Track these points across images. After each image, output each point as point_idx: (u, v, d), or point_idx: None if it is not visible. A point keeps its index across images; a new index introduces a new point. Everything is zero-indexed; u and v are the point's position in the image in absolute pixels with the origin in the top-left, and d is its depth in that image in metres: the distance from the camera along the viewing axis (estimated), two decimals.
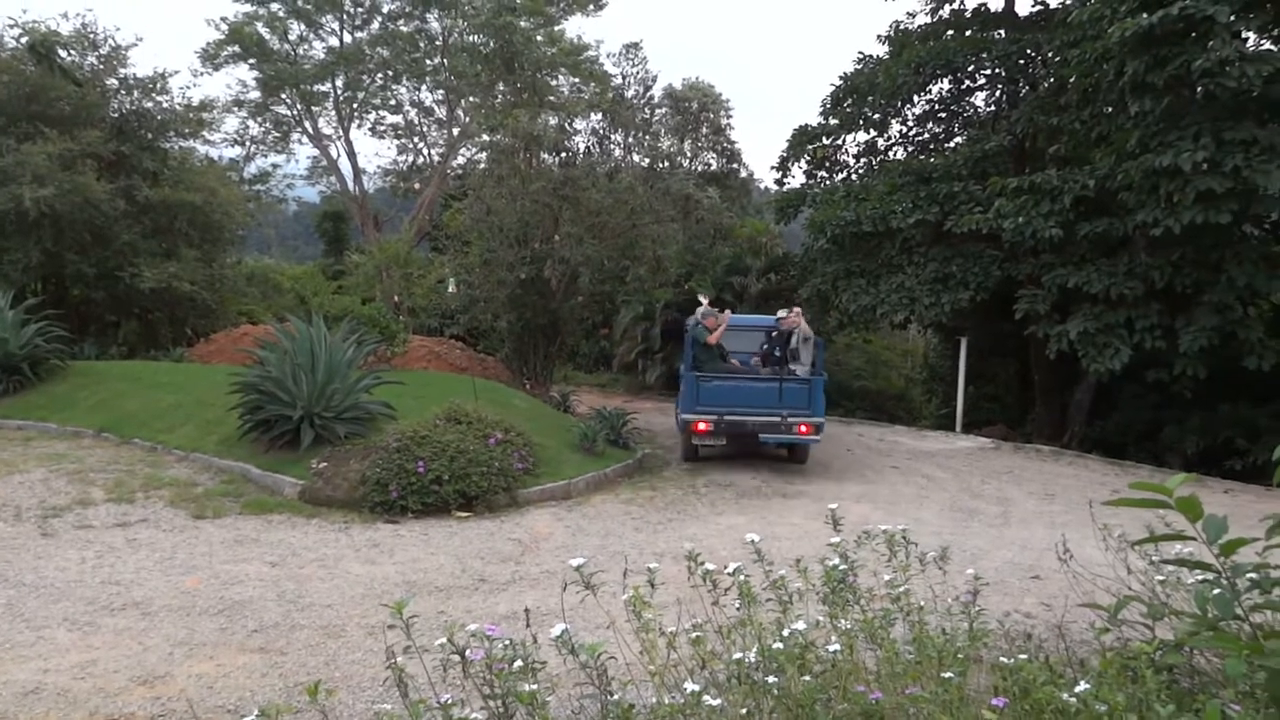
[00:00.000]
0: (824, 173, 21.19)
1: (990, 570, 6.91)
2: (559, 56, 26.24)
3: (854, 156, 20.99)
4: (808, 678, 2.55)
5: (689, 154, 20.99)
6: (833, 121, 20.29)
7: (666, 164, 17.23)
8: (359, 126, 29.78)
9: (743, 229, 22.16)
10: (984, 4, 18.99)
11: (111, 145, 17.24)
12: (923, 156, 19.89)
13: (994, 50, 17.57)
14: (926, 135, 20.35)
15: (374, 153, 62.37)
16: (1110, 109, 14.40)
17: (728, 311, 12.95)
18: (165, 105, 19.46)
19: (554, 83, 24.99)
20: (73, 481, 8.96)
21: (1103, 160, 14.58)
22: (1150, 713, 2.24)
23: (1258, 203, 11.98)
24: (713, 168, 22.15)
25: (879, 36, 20.28)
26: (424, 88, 29.47)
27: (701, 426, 11.23)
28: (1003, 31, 18.17)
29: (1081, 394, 16.19)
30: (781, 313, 12.80)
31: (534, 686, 2.18)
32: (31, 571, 6.48)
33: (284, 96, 28.38)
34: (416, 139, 30.60)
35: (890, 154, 20.63)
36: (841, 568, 3.12)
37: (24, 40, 17.51)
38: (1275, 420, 13.30)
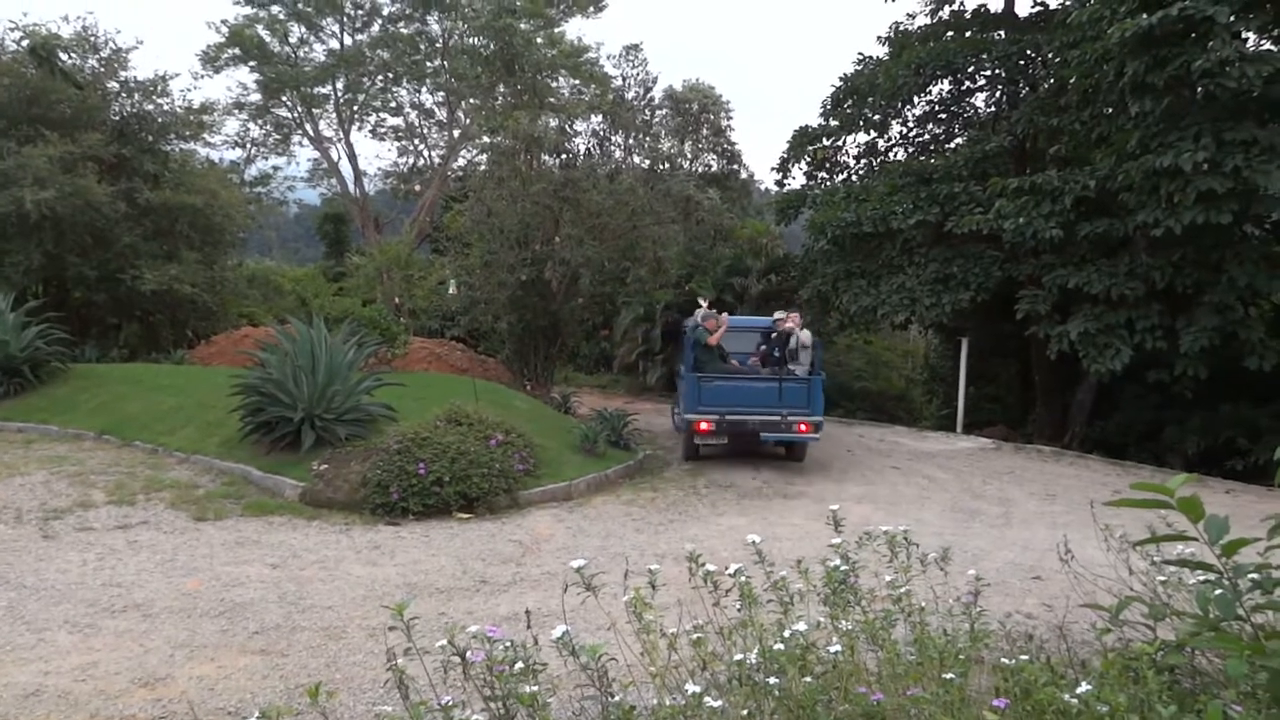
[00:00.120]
0: (824, 174, 21.19)
1: (991, 571, 6.90)
2: (559, 58, 26.27)
3: (854, 157, 21.00)
4: (809, 679, 2.55)
5: (689, 155, 20.95)
6: (833, 122, 20.30)
7: (667, 165, 17.19)
8: (359, 129, 29.85)
9: (743, 230, 22.15)
10: (984, 5, 19.01)
11: (112, 148, 17.25)
12: (923, 157, 19.89)
13: (994, 51, 17.58)
14: (927, 136, 20.35)
15: (374, 155, 62.77)
16: (1110, 110, 14.41)
17: (726, 314, 13.11)
18: (166, 108, 19.49)
19: (554, 84, 25.01)
20: (74, 484, 8.96)
21: (1103, 161, 14.59)
22: (1152, 713, 2.24)
23: (1258, 203, 11.98)
24: (713, 169, 22.11)
25: (879, 37, 20.32)
26: (424, 90, 29.51)
27: (704, 426, 11.39)
28: (1002, 32, 18.18)
29: (1082, 394, 16.19)
30: (779, 314, 13.00)
31: (535, 688, 2.18)
32: (32, 574, 6.49)
33: (284, 99, 28.41)
34: (417, 141, 30.65)
35: (890, 155, 20.64)
36: (843, 569, 3.11)
37: (25, 43, 17.54)
38: (1276, 420, 13.29)
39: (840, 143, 20.74)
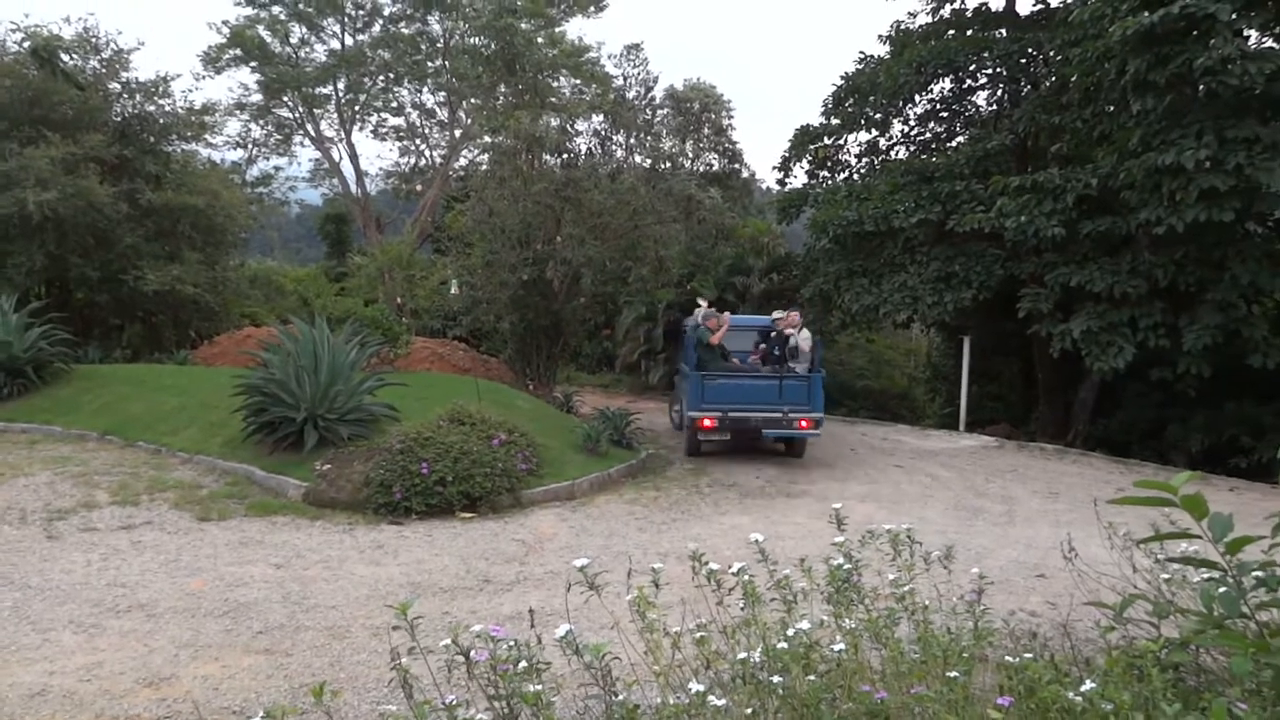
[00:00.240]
0: (826, 172, 21.16)
1: (995, 569, 6.90)
2: (560, 58, 26.27)
3: (856, 156, 20.97)
4: (813, 677, 2.55)
5: (690, 154, 20.96)
6: (834, 121, 20.27)
7: (668, 165, 17.17)
8: (361, 129, 29.89)
9: (745, 229, 22.14)
10: (985, 3, 18.97)
11: (114, 149, 17.26)
12: (924, 156, 19.86)
13: (995, 49, 17.55)
14: (928, 134, 20.33)
15: (376, 155, 62.85)
16: (1112, 107, 14.38)
17: (728, 314, 13.34)
18: (167, 109, 19.49)
19: (555, 84, 25.00)
20: (77, 484, 8.98)
21: (1105, 159, 14.56)
22: (1156, 711, 2.24)
23: (1261, 200, 11.95)
24: (714, 168, 22.12)
25: (880, 36, 20.31)
26: (425, 90, 29.54)
27: (707, 423, 11.71)
28: (1004, 31, 18.14)
29: (1085, 392, 16.17)
30: (778, 314, 13.24)
31: (539, 687, 2.18)
32: (37, 574, 6.50)
33: (286, 99, 28.44)
34: (418, 141, 30.68)
35: (892, 153, 20.61)
36: (846, 567, 3.12)
37: (26, 44, 17.55)
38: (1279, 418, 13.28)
39: (842, 141, 20.72)
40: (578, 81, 26.15)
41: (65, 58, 17.88)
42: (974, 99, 19.59)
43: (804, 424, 11.71)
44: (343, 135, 29.22)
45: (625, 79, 17.73)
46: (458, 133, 28.87)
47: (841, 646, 2.72)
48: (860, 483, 11.19)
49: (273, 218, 31.09)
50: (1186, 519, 2.37)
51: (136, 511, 8.28)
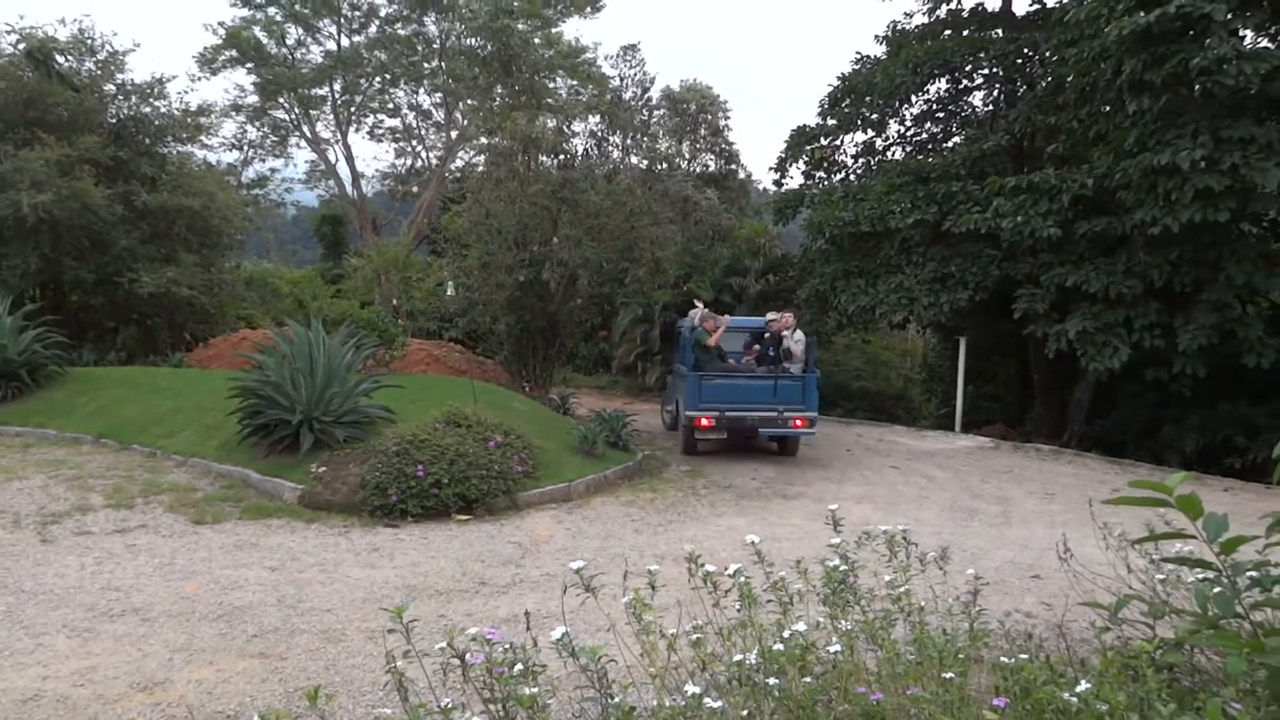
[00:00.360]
0: (822, 173, 21.21)
1: (990, 570, 6.91)
2: (556, 59, 26.27)
3: (852, 157, 21.03)
4: (809, 679, 2.55)
5: (687, 155, 20.99)
6: (831, 122, 20.31)
7: (665, 165, 17.18)
8: (357, 130, 29.93)
9: (741, 230, 22.17)
10: (981, 4, 19.02)
11: (109, 151, 17.23)
12: (921, 156, 19.90)
13: (991, 50, 17.59)
14: (924, 135, 20.37)
15: (372, 156, 62.89)
16: (1108, 108, 14.42)
17: (727, 316, 13.51)
18: (163, 110, 19.46)
19: (552, 85, 25.02)
20: (72, 488, 8.95)
21: (1101, 159, 14.60)
22: (1151, 711, 2.23)
23: (1256, 200, 11.99)
24: (711, 169, 22.16)
25: (876, 37, 20.34)
26: (422, 91, 29.55)
27: (705, 422, 11.94)
28: (1000, 31, 18.19)
29: (1081, 393, 16.19)
30: (771, 315, 13.48)
31: (535, 690, 2.17)
32: (30, 578, 6.47)
33: (281, 101, 28.42)
34: (414, 142, 30.68)
35: (888, 154, 20.66)
36: (842, 568, 3.11)
37: (21, 46, 17.53)
38: (1274, 418, 13.30)
39: (838, 142, 20.78)
40: (574, 82, 26.17)
41: (60, 59, 17.86)
42: (970, 99, 19.65)
43: (799, 423, 12.02)
44: (339, 137, 29.24)
45: (622, 80, 17.76)
46: (454, 134, 28.86)
47: (837, 648, 2.72)
48: (856, 484, 11.20)
49: (268, 219, 31.09)
50: (1181, 519, 2.37)
51: (131, 515, 8.26)
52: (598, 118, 16.69)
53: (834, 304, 17.57)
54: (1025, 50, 17.30)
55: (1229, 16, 11.67)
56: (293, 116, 28.95)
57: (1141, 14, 12.16)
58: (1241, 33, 12.49)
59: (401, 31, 28.26)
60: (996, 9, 18.67)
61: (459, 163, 29.13)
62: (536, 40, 25.49)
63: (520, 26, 24.44)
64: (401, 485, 8.60)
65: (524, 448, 9.94)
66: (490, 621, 5.63)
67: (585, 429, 11.46)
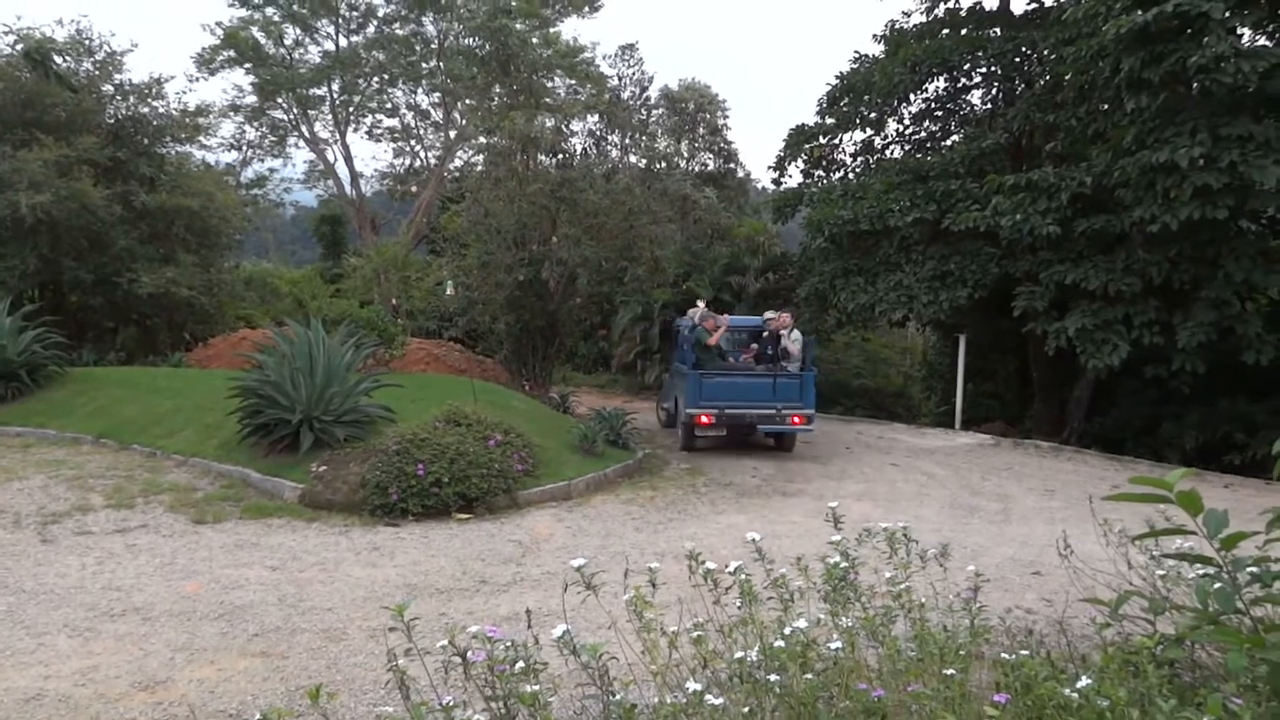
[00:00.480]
0: (821, 172, 21.20)
1: (991, 567, 6.92)
2: (555, 58, 26.26)
3: (851, 155, 21.02)
4: (810, 676, 2.55)
5: (686, 154, 20.95)
6: (829, 121, 20.31)
7: (663, 165, 17.16)
8: (355, 130, 29.95)
9: (740, 229, 22.17)
10: (979, 2, 19.01)
11: (108, 151, 17.22)
12: (920, 155, 19.90)
13: (990, 48, 17.58)
14: (923, 134, 20.35)
15: (371, 156, 62.44)
16: (1106, 106, 14.42)
17: (726, 315, 13.64)
18: (161, 110, 19.47)
19: (550, 85, 24.97)
20: (72, 488, 8.95)
21: (1099, 157, 14.60)
22: (1152, 707, 2.24)
23: (1254, 198, 11.99)
24: (710, 168, 22.11)
25: (875, 36, 20.33)
26: (420, 91, 29.54)
27: (705, 419, 12.13)
28: (998, 30, 18.18)
29: (1080, 390, 16.20)
30: (769, 314, 13.62)
31: (536, 687, 2.18)
32: (31, 578, 6.48)
33: (280, 101, 28.40)
34: (413, 142, 30.67)
35: (887, 152, 20.65)
36: (842, 565, 3.12)
37: (19, 47, 17.51)
38: (1274, 415, 13.30)
39: (837, 141, 20.77)
40: (573, 82, 26.11)
41: (58, 60, 17.85)
42: (969, 98, 19.64)
43: (796, 420, 12.24)
44: (337, 137, 29.22)
45: (620, 79, 17.73)
46: (452, 134, 28.85)
47: (838, 645, 2.72)
48: (856, 481, 11.21)
49: (267, 219, 31.10)
50: (1181, 515, 2.38)
51: (131, 515, 8.26)
52: (596, 117, 16.69)
53: (833, 302, 17.58)
54: (1023, 49, 17.30)
55: (1227, 15, 11.68)
56: (291, 116, 28.94)
57: (1139, 12, 12.16)
58: (1239, 31, 12.50)
59: (400, 31, 28.25)
60: (994, 8, 18.67)
61: (458, 162, 29.15)
62: (535, 40, 25.48)
63: (518, 26, 24.42)
64: (402, 484, 8.61)
65: (524, 446, 9.94)
66: (491, 619, 5.64)
67: (585, 427, 11.47)
